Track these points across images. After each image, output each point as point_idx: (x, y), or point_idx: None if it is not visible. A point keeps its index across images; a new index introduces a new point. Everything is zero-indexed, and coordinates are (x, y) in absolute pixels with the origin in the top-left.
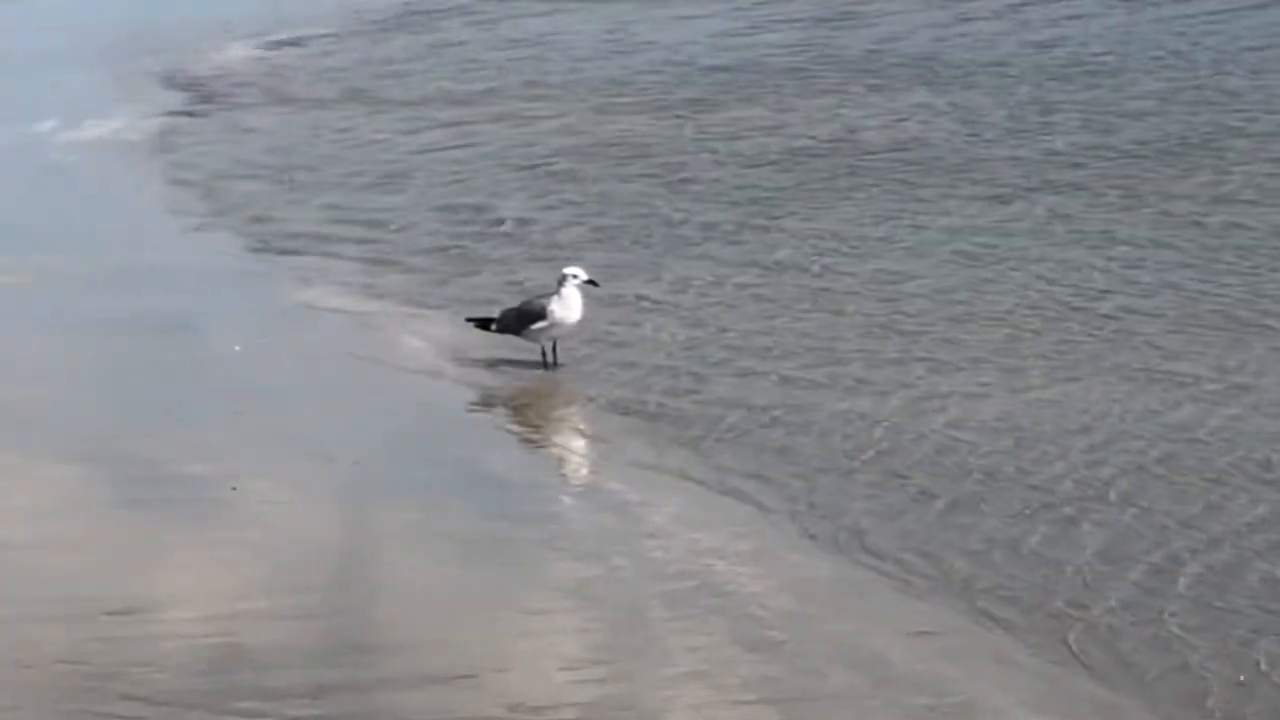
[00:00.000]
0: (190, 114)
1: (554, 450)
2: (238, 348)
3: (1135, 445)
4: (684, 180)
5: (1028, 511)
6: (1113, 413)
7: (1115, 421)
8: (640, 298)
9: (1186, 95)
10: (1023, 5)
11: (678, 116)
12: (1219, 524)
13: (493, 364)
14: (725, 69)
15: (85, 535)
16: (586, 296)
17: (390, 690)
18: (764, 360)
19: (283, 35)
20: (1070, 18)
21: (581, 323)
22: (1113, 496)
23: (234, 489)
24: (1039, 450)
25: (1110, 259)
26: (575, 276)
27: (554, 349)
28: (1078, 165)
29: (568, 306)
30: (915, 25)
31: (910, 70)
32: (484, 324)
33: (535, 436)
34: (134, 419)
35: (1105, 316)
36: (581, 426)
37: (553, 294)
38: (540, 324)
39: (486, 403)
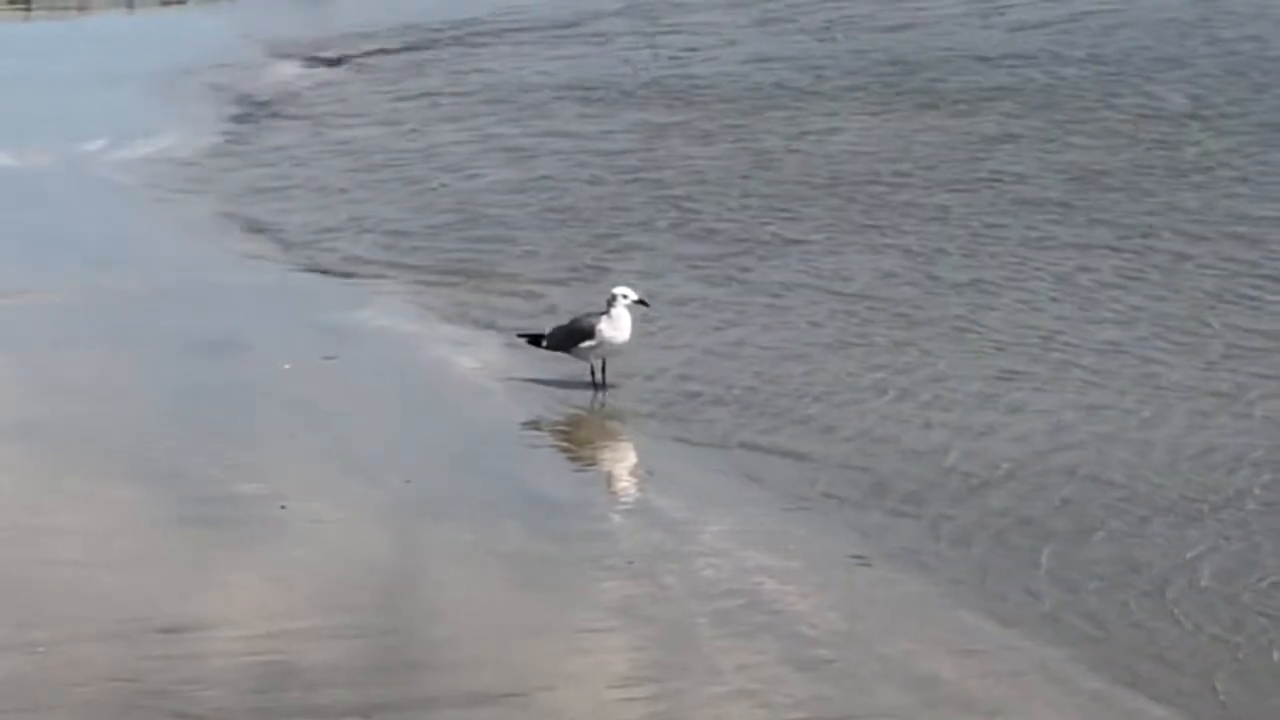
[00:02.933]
0: (240, 132)
1: (602, 468)
2: (287, 366)
3: (1187, 468)
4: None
5: (1082, 532)
6: (1174, 431)
7: (1169, 442)
8: (684, 314)
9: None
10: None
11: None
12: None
13: (542, 383)
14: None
15: (135, 553)
16: (636, 316)
17: (439, 709)
18: (815, 380)
19: (332, 53)
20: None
21: (630, 343)
22: (1169, 516)
23: (283, 508)
24: (1095, 471)
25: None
26: (625, 296)
27: (603, 368)
28: None
29: (616, 326)
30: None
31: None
32: (535, 340)
33: (584, 455)
34: (183, 437)
35: (1143, 340)
36: (630, 445)
37: (602, 313)
38: (588, 343)
39: (535, 422)
